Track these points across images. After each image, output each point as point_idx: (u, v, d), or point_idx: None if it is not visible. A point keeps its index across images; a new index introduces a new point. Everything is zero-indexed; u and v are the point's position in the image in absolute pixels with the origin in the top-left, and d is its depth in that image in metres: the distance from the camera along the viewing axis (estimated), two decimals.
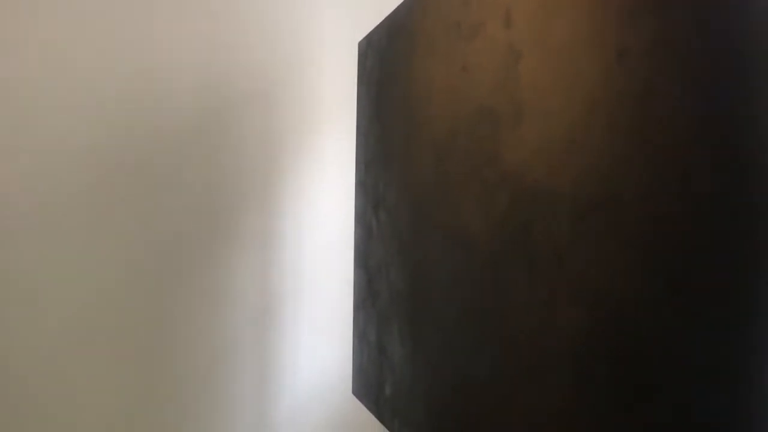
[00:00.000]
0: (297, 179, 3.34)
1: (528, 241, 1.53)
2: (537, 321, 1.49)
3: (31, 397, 3.15)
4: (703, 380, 1.10)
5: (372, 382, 2.84)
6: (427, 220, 2.18)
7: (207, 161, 3.26)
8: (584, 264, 1.32)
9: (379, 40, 2.73)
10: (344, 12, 3.44)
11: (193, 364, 3.27)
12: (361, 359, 3.04)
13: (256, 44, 3.29)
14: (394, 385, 2.53)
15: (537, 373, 1.48)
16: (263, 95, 3.31)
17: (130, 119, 3.18)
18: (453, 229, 1.96)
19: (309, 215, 3.37)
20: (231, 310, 3.30)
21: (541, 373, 1.46)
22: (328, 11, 3.40)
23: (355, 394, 3.11)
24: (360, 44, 2.99)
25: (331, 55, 3.33)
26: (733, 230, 1.06)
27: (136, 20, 3.18)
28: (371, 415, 2.82)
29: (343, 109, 3.23)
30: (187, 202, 3.25)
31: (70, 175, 3.15)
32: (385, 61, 2.67)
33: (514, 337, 1.59)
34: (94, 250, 3.18)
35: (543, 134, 1.47)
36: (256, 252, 3.32)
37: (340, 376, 3.27)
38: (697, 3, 1.11)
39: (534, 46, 1.52)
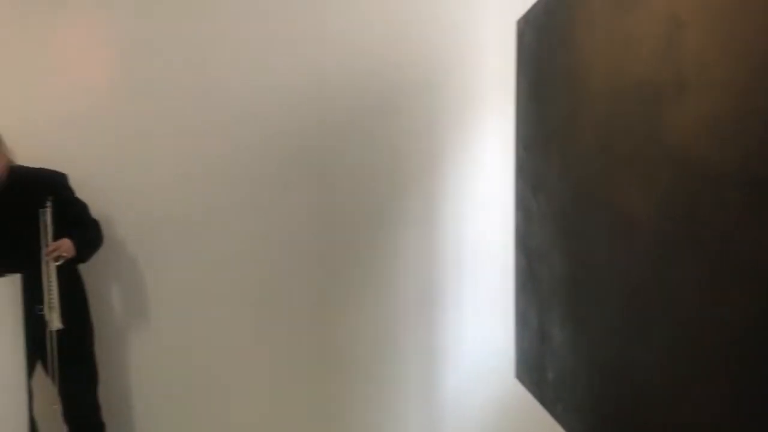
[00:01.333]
0: (458, 163, 3.36)
1: (694, 220, 1.44)
2: (704, 303, 1.41)
3: (213, 380, 3.44)
4: None
5: (534, 365, 2.82)
6: (589, 201, 2.12)
7: (372, 146, 3.36)
8: (754, 245, 1.22)
9: (537, 17, 2.67)
10: None
11: (360, 345, 3.42)
12: (523, 343, 3.02)
13: (418, 32, 3.33)
14: (556, 369, 2.49)
15: (708, 357, 1.41)
16: (426, 81, 3.34)
17: (304, 108, 3.34)
18: (615, 209, 1.89)
19: (470, 198, 3.37)
20: (395, 291, 3.39)
21: (712, 359, 1.39)
22: None
23: (518, 378, 3.09)
24: (518, 23, 2.94)
25: (490, 37, 3.30)
26: None
27: (311, 16, 3.33)
28: (534, 398, 2.79)
29: (502, 91, 3.19)
30: (352, 186, 3.38)
31: (249, 160, 3.38)
32: (543, 38, 2.61)
33: (682, 319, 1.51)
34: (265, 234, 3.39)
35: (708, 108, 1.38)
36: (418, 234, 3.38)
37: (502, 358, 3.26)
38: None
39: (698, 14, 1.43)
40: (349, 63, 3.33)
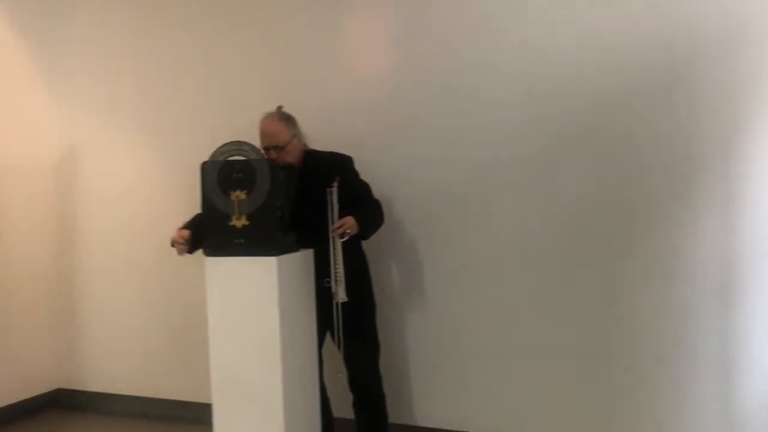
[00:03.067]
0: (762, 138, 2.89)
1: None
2: None
3: (489, 361, 3.39)
4: None
5: None
6: None
7: (659, 120, 3.05)
8: None
9: None
10: None
11: (645, 338, 3.10)
12: None
13: None
14: None
15: None
16: (719, 47, 2.94)
17: (582, 82, 3.16)
18: None
19: None
20: (688, 279, 3.02)
21: None
22: None
23: None
24: None
25: None
26: None
27: None
28: None
29: None
30: (636, 166, 3.10)
31: (526, 140, 3.29)
32: None
33: None
34: (542, 217, 3.26)
35: None
36: (715, 216, 2.97)
37: None
38: None
39: None
40: (633, 24, 3.06)
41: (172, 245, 2.96)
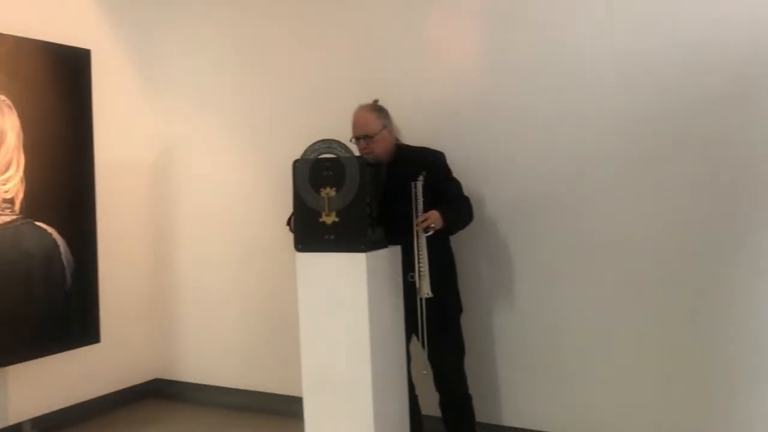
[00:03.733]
0: None
1: None
2: None
3: (579, 362, 3.29)
4: None
5: None
6: None
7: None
8: None
9: None
10: None
11: (753, 338, 2.94)
12: None
13: None
14: None
15: None
16: None
17: (689, 71, 3.02)
18: None
19: None
20: None
21: None
22: None
23: None
24: None
25: None
26: None
27: None
28: None
29: None
30: (741, 158, 2.93)
31: (622, 135, 3.17)
32: None
33: None
34: (639, 215, 3.14)
35: None
36: None
37: None
38: None
39: None
40: (734, 17, 2.90)
41: (288, 223, 3.05)
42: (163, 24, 4.48)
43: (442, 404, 3.15)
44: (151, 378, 4.53)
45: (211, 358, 4.37)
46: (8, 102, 3.32)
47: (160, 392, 4.54)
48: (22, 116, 3.38)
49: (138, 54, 4.44)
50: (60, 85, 3.61)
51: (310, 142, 2.87)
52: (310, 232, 2.86)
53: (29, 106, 3.42)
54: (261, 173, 4.14)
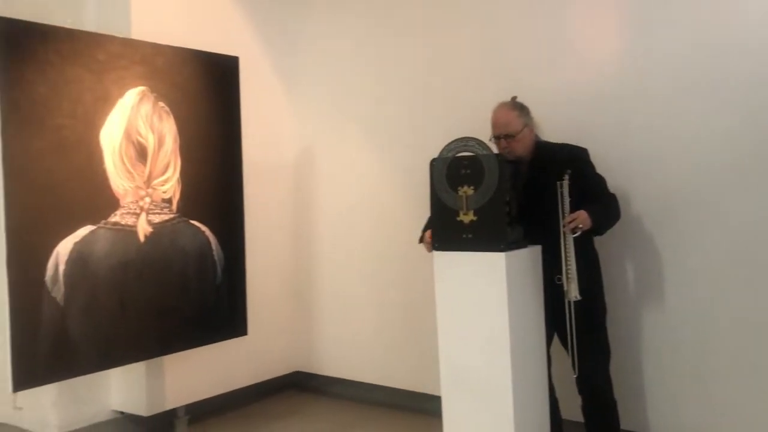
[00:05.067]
0: None
1: None
2: None
3: (731, 368, 3.07)
4: None
5: None
6: None
7: None
8: None
9: None
10: None
11: None
12: None
13: None
14: None
15: None
16: None
17: None
18: None
19: None
20: None
21: None
22: None
23: None
24: None
25: None
26: None
27: None
28: None
29: None
30: None
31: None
32: None
33: None
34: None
35: None
36: None
37: None
38: None
39: None
40: None
41: (420, 241, 3.08)
42: (305, 31, 4.63)
43: (585, 409, 3.04)
44: (292, 371, 4.71)
45: (349, 353, 4.48)
46: (166, 108, 3.56)
47: (300, 385, 4.71)
48: (178, 121, 3.61)
49: (281, 60, 4.62)
50: (211, 91, 3.82)
51: (447, 142, 2.86)
52: (447, 231, 2.85)
53: (184, 112, 3.65)
54: (397, 173, 4.19)
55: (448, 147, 2.88)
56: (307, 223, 4.66)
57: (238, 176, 3.96)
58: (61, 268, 3.12)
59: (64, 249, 3.13)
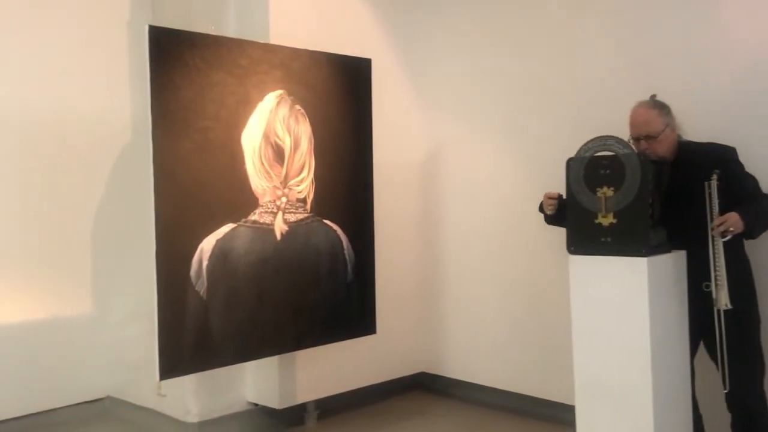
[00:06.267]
0: None
1: None
2: None
3: None
4: None
5: None
6: None
7: None
8: None
9: None
10: None
11: None
12: None
13: None
14: None
15: None
16: None
17: None
18: None
19: None
20: None
21: None
22: None
23: None
24: None
25: None
26: None
27: None
28: None
29: None
30: None
31: None
32: None
33: None
34: None
35: None
36: None
37: None
38: None
39: None
40: None
41: (540, 210, 3.03)
42: (436, 31, 4.62)
43: (735, 426, 2.84)
44: (418, 371, 4.71)
45: (475, 355, 4.43)
46: (302, 111, 3.66)
47: (425, 385, 4.70)
48: (312, 123, 3.70)
49: (411, 60, 4.64)
50: (344, 92, 3.89)
51: (582, 141, 2.77)
52: (584, 233, 2.76)
53: (318, 114, 3.74)
54: (528, 173, 4.10)
55: (586, 146, 2.79)
56: (435, 224, 4.65)
57: (368, 176, 4.02)
58: (205, 263, 3.28)
59: (207, 245, 3.29)
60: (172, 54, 3.20)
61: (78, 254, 4.23)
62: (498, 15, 4.28)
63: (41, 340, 4.07)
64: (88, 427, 4.15)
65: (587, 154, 2.77)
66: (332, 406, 4.20)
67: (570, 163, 2.80)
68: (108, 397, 4.34)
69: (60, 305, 4.16)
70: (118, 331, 4.27)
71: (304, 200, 3.67)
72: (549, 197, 2.96)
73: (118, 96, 4.34)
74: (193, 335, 3.26)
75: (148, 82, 3.13)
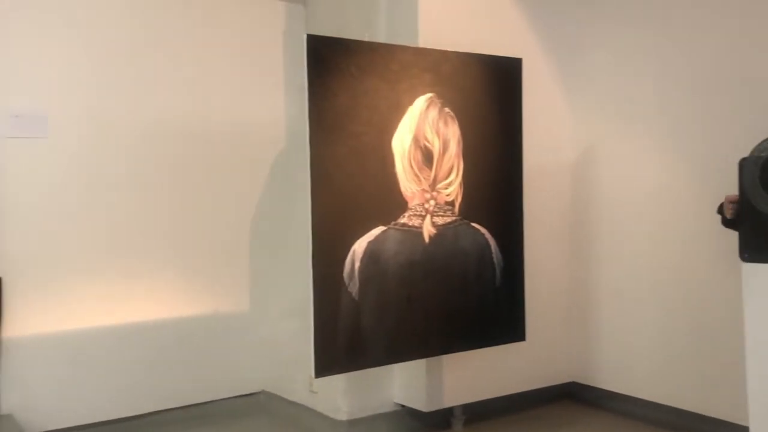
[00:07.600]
0: None
1: None
2: None
3: None
4: None
5: None
6: None
7: None
8: None
9: None
10: None
11: None
12: None
13: None
14: None
15: None
16: None
17: None
18: None
19: None
20: None
21: None
22: None
23: None
24: None
25: None
26: None
27: None
28: None
29: None
30: None
31: None
32: None
33: None
34: None
35: None
36: None
37: None
38: None
39: None
40: None
41: (719, 212, 2.83)
42: (589, 30, 4.46)
43: None
44: (568, 381, 4.55)
45: (629, 366, 4.22)
46: (451, 113, 3.65)
47: (575, 396, 4.54)
48: (461, 125, 3.68)
49: (562, 60, 4.49)
50: (493, 93, 3.84)
51: (749, 141, 2.56)
52: (760, 240, 2.56)
53: (467, 116, 3.70)
54: (689, 176, 3.86)
55: (761, 146, 2.59)
56: (586, 229, 4.48)
57: (518, 179, 3.93)
58: (357, 265, 3.35)
59: (359, 247, 3.35)
60: (329, 61, 3.29)
61: (237, 255, 4.48)
62: (655, 14, 4.06)
63: (203, 335, 4.34)
64: (246, 419, 4.36)
65: (763, 155, 2.57)
66: (479, 412, 4.15)
67: (743, 164, 2.61)
68: (263, 392, 4.54)
69: (220, 303, 4.42)
70: (273, 329, 4.46)
71: (452, 203, 3.65)
72: (730, 201, 2.76)
73: (273, 104, 4.55)
74: (346, 335, 3.33)
75: (306, 89, 3.23)
